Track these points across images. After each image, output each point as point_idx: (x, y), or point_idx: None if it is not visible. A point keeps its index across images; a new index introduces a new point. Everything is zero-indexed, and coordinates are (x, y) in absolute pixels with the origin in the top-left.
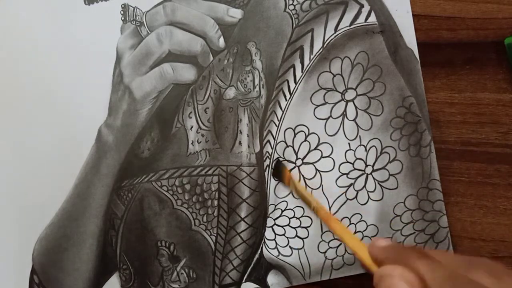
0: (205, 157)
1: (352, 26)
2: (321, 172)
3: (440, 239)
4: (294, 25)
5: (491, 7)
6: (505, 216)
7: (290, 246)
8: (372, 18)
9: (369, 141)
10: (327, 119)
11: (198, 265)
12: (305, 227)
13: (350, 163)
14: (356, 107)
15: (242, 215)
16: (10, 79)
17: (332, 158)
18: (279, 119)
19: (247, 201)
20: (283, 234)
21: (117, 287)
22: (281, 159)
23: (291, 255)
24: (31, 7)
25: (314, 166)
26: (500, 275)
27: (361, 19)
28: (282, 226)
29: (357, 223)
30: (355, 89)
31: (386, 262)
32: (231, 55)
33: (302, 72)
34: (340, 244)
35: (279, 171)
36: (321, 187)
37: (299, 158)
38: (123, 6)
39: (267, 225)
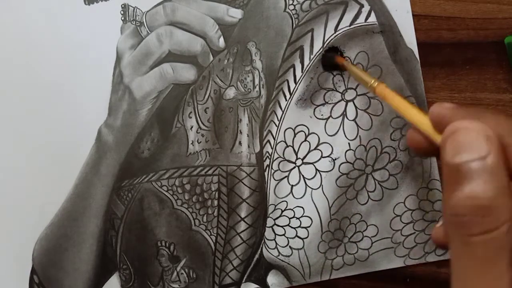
0: (205, 157)
1: (352, 26)
2: (321, 172)
3: None
4: (294, 25)
5: (491, 7)
6: None
7: (290, 246)
8: (372, 18)
9: (369, 141)
10: (327, 119)
11: (198, 265)
12: (305, 227)
13: (350, 163)
14: (356, 107)
15: (242, 215)
16: (9, 79)
17: (332, 158)
18: (279, 119)
19: (247, 201)
20: (283, 234)
21: (117, 287)
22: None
23: (291, 255)
24: (30, 7)
25: (314, 166)
26: None
27: (361, 19)
28: (282, 226)
29: (357, 223)
30: (355, 89)
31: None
32: (231, 55)
33: (302, 72)
34: (340, 244)
35: (329, 60)
36: (321, 187)
37: (299, 158)
38: (123, 6)
39: (267, 225)
